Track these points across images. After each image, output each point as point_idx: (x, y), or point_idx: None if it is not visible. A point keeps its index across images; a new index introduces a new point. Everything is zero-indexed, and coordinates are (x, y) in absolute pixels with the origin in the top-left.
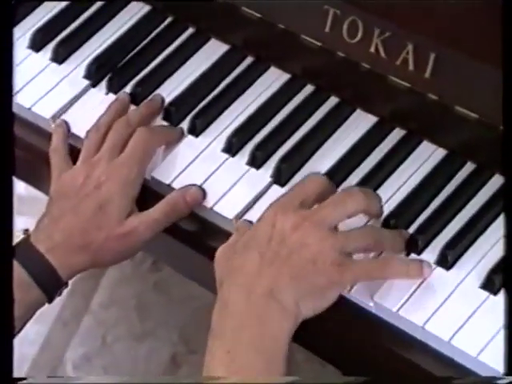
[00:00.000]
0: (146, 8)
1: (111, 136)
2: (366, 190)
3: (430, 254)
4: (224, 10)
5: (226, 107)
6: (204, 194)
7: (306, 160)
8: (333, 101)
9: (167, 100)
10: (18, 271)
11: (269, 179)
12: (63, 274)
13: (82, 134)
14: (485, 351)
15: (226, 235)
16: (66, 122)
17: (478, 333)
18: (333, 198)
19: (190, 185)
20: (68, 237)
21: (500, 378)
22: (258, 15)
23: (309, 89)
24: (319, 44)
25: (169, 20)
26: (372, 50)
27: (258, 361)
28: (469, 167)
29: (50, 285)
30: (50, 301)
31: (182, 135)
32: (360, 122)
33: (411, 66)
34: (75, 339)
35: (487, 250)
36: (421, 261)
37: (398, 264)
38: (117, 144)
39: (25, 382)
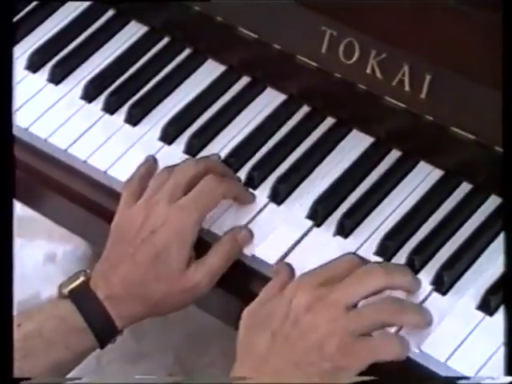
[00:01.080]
0: (144, 29)
1: (175, 175)
2: (388, 265)
3: (427, 275)
4: (221, 30)
5: (223, 128)
6: (252, 234)
7: (302, 180)
8: (329, 121)
9: (164, 120)
10: (75, 316)
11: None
12: (119, 323)
13: (75, 152)
14: (481, 372)
15: None
16: (155, 161)
17: (474, 354)
18: (350, 276)
19: (237, 227)
20: (126, 287)
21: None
22: (255, 36)
23: (305, 109)
24: (316, 65)
25: (166, 40)
26: (368, 71)
27: None
28: (465, 188)
29: (105, 333)
30: (102, 347)
31: (251, 196)
32: (356, 143)
33: (407, 87)
34: None
35: (484, 271)
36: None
37: (404, 341)
38: (179, 184)
39: (25, 382)
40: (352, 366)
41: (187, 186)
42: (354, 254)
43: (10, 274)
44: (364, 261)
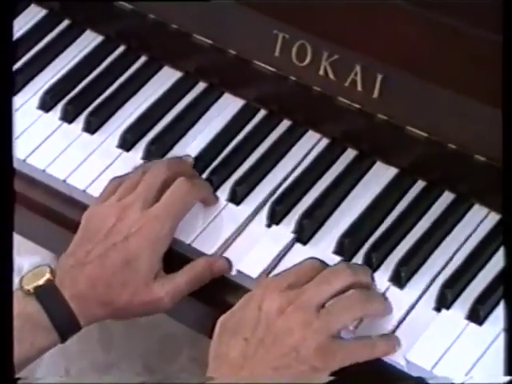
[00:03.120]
0: (99, 38)
1: (147, 179)
2: (352, 265)
3: (384, 271)
4: (176, 37)
5: (181, 134)
6: (230, 265)
7: (259, 181)
8: (285, 124)
9: (122, 128)
10: (40, 315)
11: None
12: (83, 321)
13: (34, 162)
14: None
15: None
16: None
17: (433, 348)
18: (317, 278)
19: (217, 256)
20: (92, 287)
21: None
22: (210, 42)
23: (261, 113)
24: (270, 68)
25: (122, 49)
26: (321, 72)
27: None
28: (420, 185)
29: (69, 331)
30: (63, 342)
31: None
32: (312, 144)
33: (360, 87)
34: (38, 372)
35: (441, 267)
36: (393, 336)
37: (382, 344)
38: (152, 188)
39: (25, 381)
40: (328, 367)
41: (159, 190)
42: (316, 258)
43: (10, 274)
44: (325, 264)
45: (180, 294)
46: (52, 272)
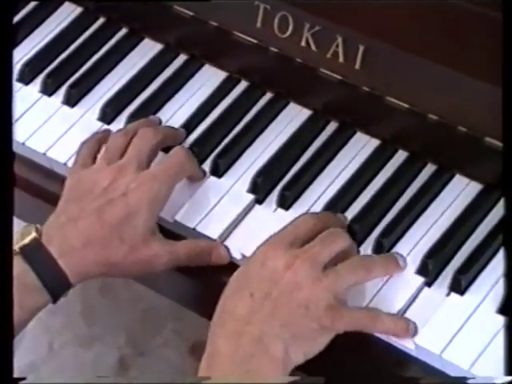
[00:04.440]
0: (78, 10)
1: (138, 142)
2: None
3: (366, 244)
4: (156, 9)
5: (161, 106)
6: (229, 255)
7: (241, 154)
8: (268, 96)
9: (102, 101)
10: (28, 275)
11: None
12: (74, 279)
13: (13, 135)
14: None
15: None
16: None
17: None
18: (322, 237)
19: (220, 244)
20: (87, 242)
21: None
22: (191, 13)
23: (243, 85)
24: (252, 40)
25: (101, 21)
26: (303, 43)
27: None
28: (401, 155)
29: (60, 289)
30: (55, 302)
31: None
32: (295, 116)
33: (341, 59)
34: (21, 347)
35: (421, 237)
36: (407, 319)
37: (388, 321)
38: (143, 152)
39: (25, 381)
40: (335, 327)
41: (150, 155)
42: (310, 213)
43: (10, 274)
44: (320, 214)
45: (176, 260)
46: (38, 231)
